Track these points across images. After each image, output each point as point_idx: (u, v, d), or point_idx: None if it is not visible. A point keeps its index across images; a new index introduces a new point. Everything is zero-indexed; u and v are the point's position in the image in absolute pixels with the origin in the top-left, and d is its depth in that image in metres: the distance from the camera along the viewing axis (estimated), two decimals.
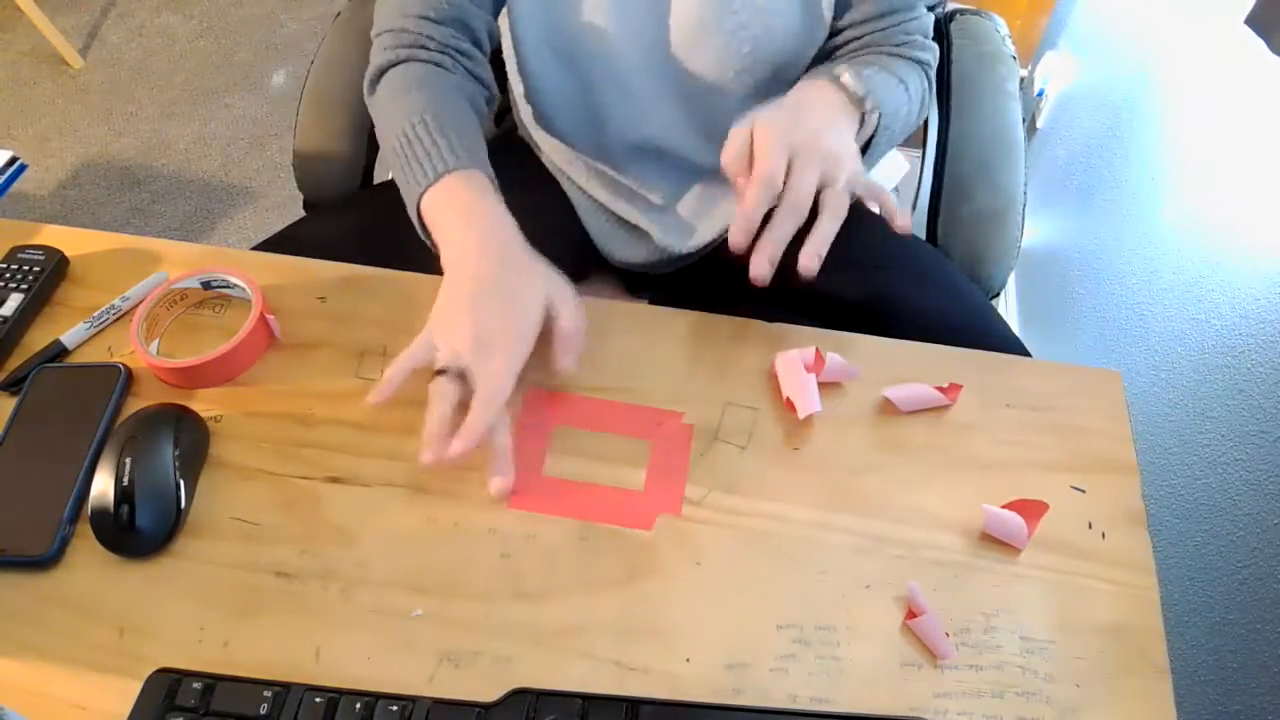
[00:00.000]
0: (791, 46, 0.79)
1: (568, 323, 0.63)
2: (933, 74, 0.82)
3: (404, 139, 0.68)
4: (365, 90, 0.76)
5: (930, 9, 0.94)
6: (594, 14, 0.77)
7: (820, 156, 0.62)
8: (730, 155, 0.64)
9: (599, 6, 0.76)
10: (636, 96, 0.82)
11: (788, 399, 0.64)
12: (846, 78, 0.69)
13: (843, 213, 0.63)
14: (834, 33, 0.81)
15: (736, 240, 0.62)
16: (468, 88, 0.75)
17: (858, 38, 0.80)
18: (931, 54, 0.81)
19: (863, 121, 0.71)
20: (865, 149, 0.73)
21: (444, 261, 0.64)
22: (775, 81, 0.81)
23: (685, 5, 0.76)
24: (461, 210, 0.65)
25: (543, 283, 0.63)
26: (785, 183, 0.62)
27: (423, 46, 0.74)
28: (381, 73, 0.75)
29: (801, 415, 0.63)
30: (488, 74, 0.78)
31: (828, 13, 0.78)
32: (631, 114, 0.83)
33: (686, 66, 0.80)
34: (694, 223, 0.90)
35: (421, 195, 0.66)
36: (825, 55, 0.82)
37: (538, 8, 0.78)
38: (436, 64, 0.74)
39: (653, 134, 0.84)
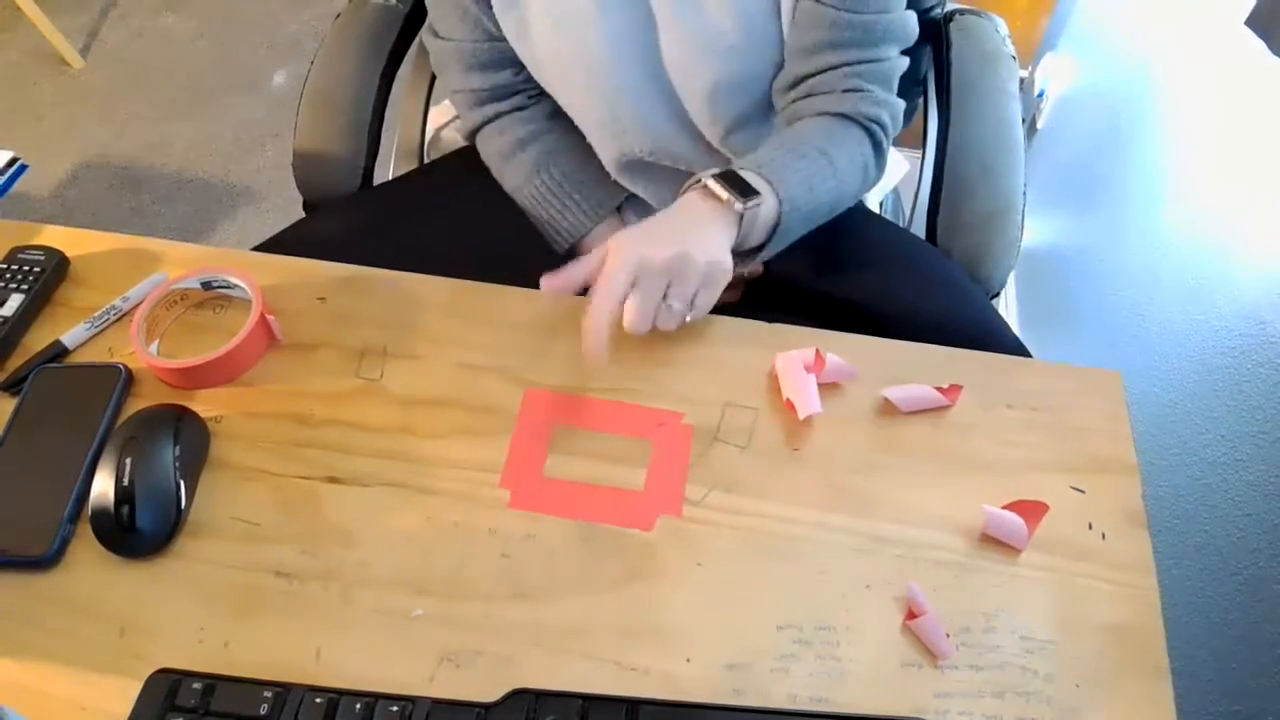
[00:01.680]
0: (765, 67, 0.79)
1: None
2: (887, 133, 0.77)
3: (533, 200, 0.84)
4: (466, 139, 0.90)
5: (928, 10, 0.94)
6: (586, 35, 0.76)
7: (662, 271, 0.62)
8: (581, 274, 0.64)
9: (587, 21, 0.76)
10: (634, 109, 0.81)
11: (788, 399, 0.64)
12: (712, 184, 0.66)
13: (673, 325, 0.64)
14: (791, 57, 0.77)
15: (587, 348, 0.61)
16: (551, 111, 0.86)
17: (806, 77, 0.76)
18: (888, 109, 0.76)
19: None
20: (772, 237, 0.69)
21: None
22: (761, 96, 0.81)
23: (672, 30, 0.76)
24: None
25: None
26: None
27: (500, 98, 0.85)
28: (475, 131, 0.87)
29: (801, 415, 0.63)
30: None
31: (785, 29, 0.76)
32: (630, 125, 0.83)
33: (684, 82, 0.79)
34: None
35: (573, 246, 0.85)
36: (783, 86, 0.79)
37: (542, 35, 0.79)
38: (520, 108, 0.86)
39: (652, 144, 0.84)
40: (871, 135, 0.76)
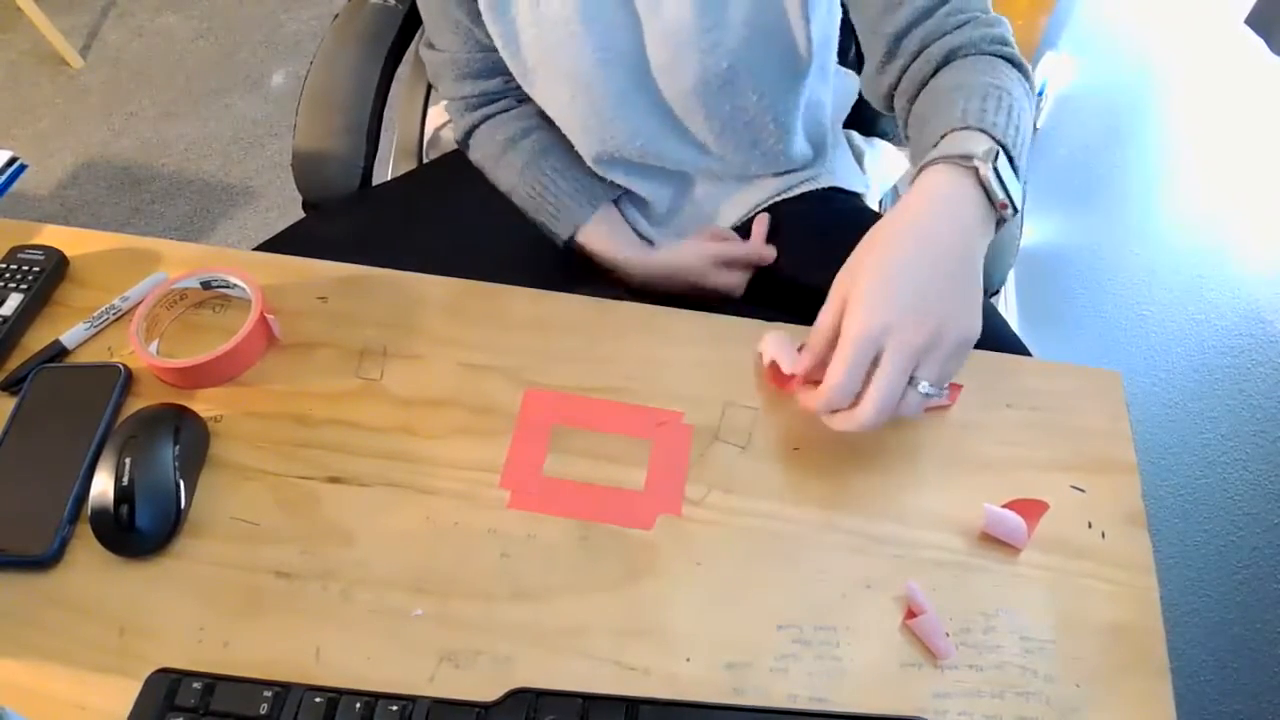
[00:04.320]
0: (774, 69, 0.79)
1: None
2: (1014, 46, 0.68)
3: (528, 195, 0.85)
4: (460, 146, 0.90)
5: None
6: (572, 42, 0.76)
7: (917, 350, 0.52)
8: (820, 338, 0.56)
9: (572, 30, 0.76)
10: (622, 114, 0.81)
11: (770, 362, 0.64)
12: (982, 170, 0.54)
13: (910, 411, 0.54)
14: (870, 42, 0.72)
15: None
16: (541, 109, 0.85)
17: (900, 36, 0.69)
18: (1001, 25, 0.68)
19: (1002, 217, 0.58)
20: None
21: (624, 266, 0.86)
22: (759, 94, 0.81)
23: (658, 27, 0.76)
24: (608, 247, 0.85)
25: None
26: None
27: (489, 102, 0.86)
28: (469, 134, 0.88)
29: (786, 371, 0.61)
30: None
31: (801, 34, 0.77)
32: (618, 130, 0.83)
33: (669, 83, 0.80)
34: (694, 227, 0.90)
35: (569, 241, 0.85)
36: (875, 76, 0.72)
37: (529, 43, 0.79)
38: (507, 109, 0.87)
39: (641, 147, 0.84)
40: (1005, 57, 0.67)
